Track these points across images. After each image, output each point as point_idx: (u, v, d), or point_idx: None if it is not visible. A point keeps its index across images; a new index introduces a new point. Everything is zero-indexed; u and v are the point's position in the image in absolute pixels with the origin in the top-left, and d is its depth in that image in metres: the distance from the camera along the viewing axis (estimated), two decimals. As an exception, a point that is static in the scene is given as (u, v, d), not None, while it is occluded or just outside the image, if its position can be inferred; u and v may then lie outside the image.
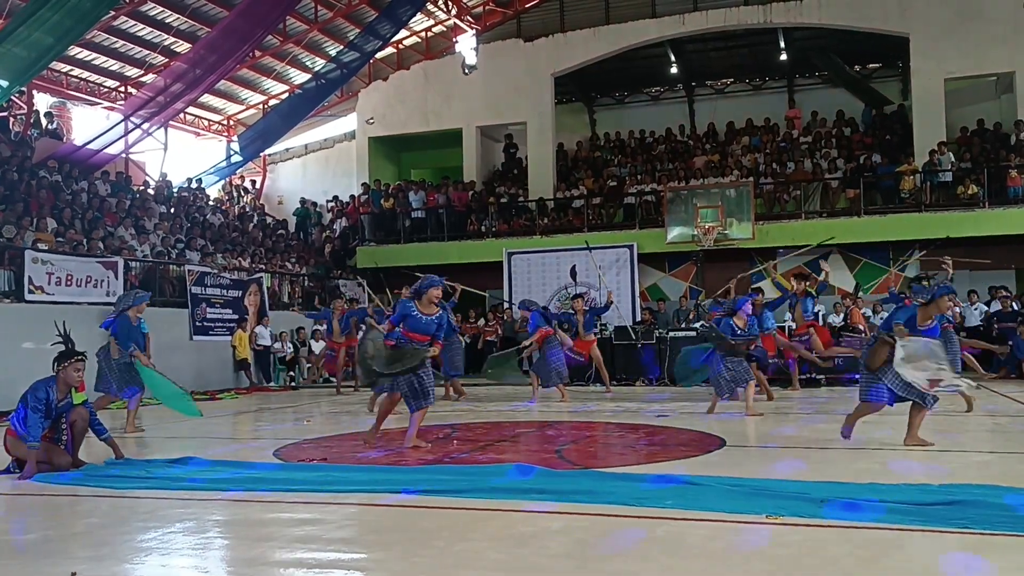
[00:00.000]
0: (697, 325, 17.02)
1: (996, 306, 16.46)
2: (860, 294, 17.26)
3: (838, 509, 4.63)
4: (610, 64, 23.52)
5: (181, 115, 22.71)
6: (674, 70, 24.34)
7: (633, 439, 8.43)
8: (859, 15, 20.78)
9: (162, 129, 22.09)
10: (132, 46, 20.76)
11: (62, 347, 6.82)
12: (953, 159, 19.49)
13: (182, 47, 20.72)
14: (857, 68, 24.15)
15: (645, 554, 4.05)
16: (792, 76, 24.85)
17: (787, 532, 4.32)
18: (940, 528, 4.26)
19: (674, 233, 19.64)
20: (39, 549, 4.39)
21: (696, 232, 19.17)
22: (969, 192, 18.74)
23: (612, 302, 14.92)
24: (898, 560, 3.85)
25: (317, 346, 18.93)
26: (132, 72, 21.66)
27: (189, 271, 16.83)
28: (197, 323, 16.65)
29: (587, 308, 13.63)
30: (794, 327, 13.71)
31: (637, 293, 19.75)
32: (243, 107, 25.47)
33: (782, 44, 23.03)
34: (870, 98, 23.27)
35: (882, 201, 19.94)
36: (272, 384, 17.72)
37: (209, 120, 25.44)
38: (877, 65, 24.25)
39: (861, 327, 16.00)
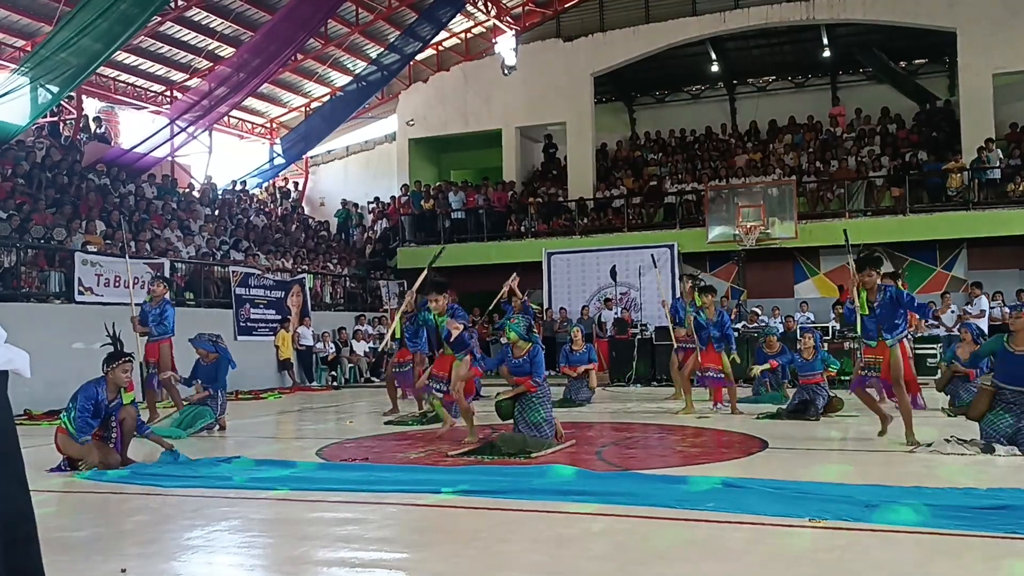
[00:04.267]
0: (739, 326, 16.87)
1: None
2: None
3: (883, 513, 4.56)
4: (650, 63, 23.39)
5: (225, 118, 23.04)
6: (715, 68, 24.15)
7: (674, 440, 8.39)
8: (904, 10, 20.42)
9: (207, 132, 22.46)
10: (177, 51, 21.12)
11: (111, 348, 6.98)
12: (1002, 156, 19.09)
13: (226, 51, 21.02)
14: (902, 64, 23.74)
15: (686, 557, 4.03)
16: (835, 73, 24.51)
17: (831, 536, 4.27)
18: (987, 533, 4.18)
19: (715, 232, 19.48)
20: (90, 546, 4.49)
21: (738, 231, 18.98)
22: (1019, 190, 18.34)
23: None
24: (945, 565, 3.79)
25: (359, 346, 19.09)
26: (177, 76, 22.03)
27: (233, 272, 17.07)
28: (241, 323, 16.88)
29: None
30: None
31: (678, 293, 19.58)
32: (285, 110, 25.77)
33: (825, 41, 22.72)
34: (916, 95, 22.87)
35: (928, 199, 19.59)
36: (314, 384, 17.91)
37: (252, 123, 25.77)
38: (923, 61, 23.80)
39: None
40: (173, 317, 10.33)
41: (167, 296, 10.65)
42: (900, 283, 9.98)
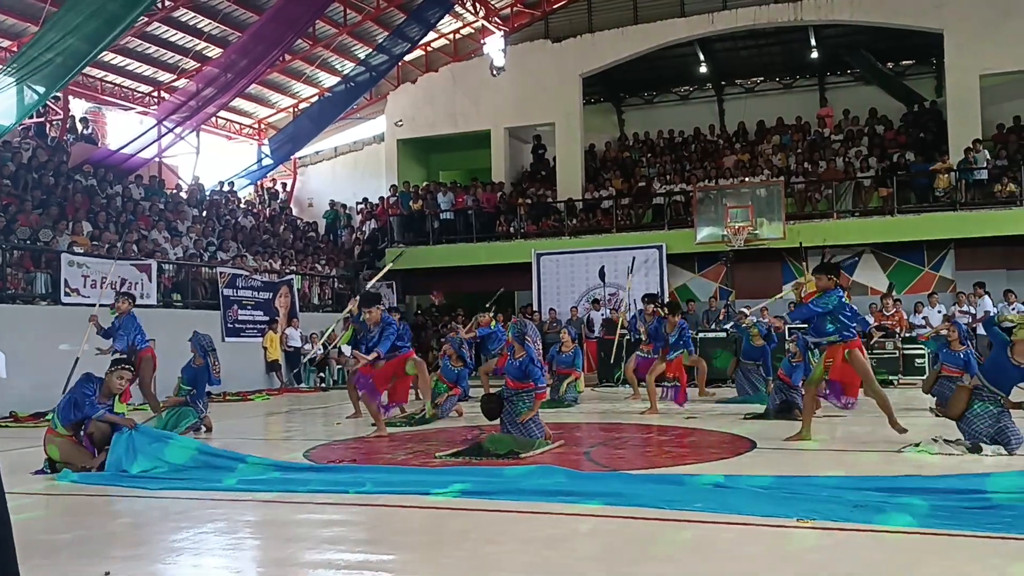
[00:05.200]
0: (727, 326, 16.90)
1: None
2: (894, 293, 17.02)
3: (872, 513, 4.57)
4: (638, 64, 23.40)
5: (213, 119, 22.94)
6: (703, 69, 24.17)
7: (662, 441, 8.40)
8: (892, 11, 20.48)
9: (194, 133, 22.34)
10: (165, 51, 21.01)
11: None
12: (989, 157, 19.16)
13: (214, 52, 20.93)
14: (890, 65, 23.82)
15: (675, 558, 4.02)
16: (823, 74, 24.57)
17: (819, 536, 4.27)
18: (977, 532, 4.19)
19: (704, 233, 19.48)
20: (75, 549, 4.45)
21: (726, 232, 19.00)
22: (1006, 190, 18.43)
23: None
24: (934, 565, 3.79)
25: (347, 348, 19.01)
26: (165, 77, 21.92)
27: (221, 273, 17.00)
28: (229, 325, 16.81)
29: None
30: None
31: (667, 294, 19.60)
32: (273, 111, 25.67)
33: (813, 42, 22.78)
34: (904, 96, 22.96)
35: (916, 200, 19.63)
36: (303, 385, 17.85)
37: (240, 124, 25.67)
38: (910, 62, 23.86)
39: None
40: (133, 330, 10.29)
41: (132, 311, 10.61)
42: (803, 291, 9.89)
